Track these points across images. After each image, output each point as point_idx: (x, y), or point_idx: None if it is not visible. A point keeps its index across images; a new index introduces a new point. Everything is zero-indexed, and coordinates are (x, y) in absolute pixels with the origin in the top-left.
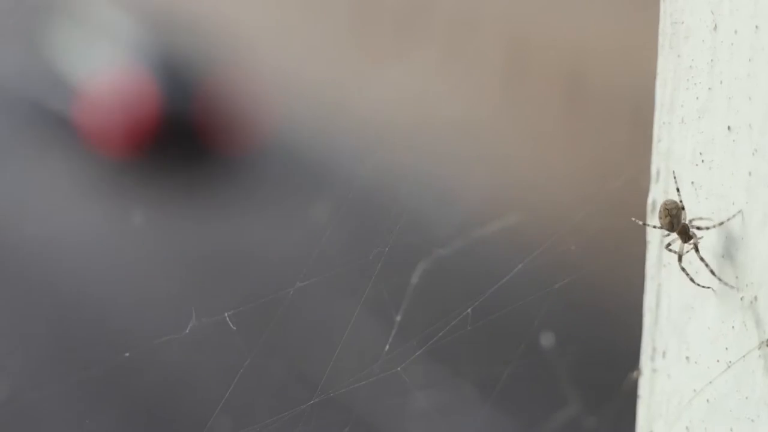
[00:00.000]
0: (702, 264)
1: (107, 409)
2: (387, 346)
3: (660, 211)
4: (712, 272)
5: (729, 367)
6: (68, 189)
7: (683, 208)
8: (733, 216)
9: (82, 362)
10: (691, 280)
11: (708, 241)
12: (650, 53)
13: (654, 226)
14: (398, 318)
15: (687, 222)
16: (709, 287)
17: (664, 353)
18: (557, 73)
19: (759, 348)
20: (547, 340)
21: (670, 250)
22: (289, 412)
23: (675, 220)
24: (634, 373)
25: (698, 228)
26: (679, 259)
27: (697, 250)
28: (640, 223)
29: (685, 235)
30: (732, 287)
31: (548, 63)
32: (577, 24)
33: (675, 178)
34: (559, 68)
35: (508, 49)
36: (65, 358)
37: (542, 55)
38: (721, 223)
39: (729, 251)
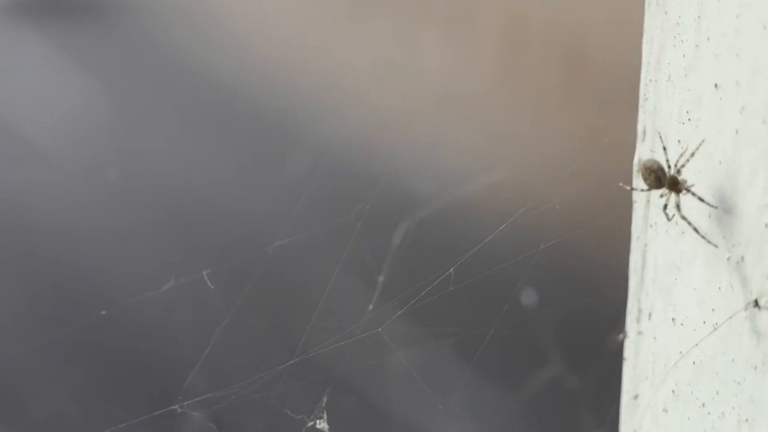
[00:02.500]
0: (685, 224)
1: (82, 369)
2: (368, 306)
3: (642, 173)
4: (696, 230)
5: (715, 328)
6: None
7: (669, 166)
8: (701, 144)
9: (56, 321)
10: (695, 230)
11: (694, 201)
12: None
13: (642, 190)
14: (380, 278)
15: (673, 173)
16: (717, 246)
17: (650, 315)
18: (551, 41)
19: (745, 309)
20: (530, 300)
21: (666, 213)
22: (268, 371)
23: (660, 174)
24: (620, 335)
25: (682, 167)
26: (678, 208)
27: (679, 209)
28: (628, 188)
29: (676, 185)
30: (715, 247)
31: (543, 33)
32: None
33: (661, 137)
34: (553, 37)
35: (504, 21)
36: (39, 317)
37: (539, 27)
38: (692, 154)
39: (715, 211)
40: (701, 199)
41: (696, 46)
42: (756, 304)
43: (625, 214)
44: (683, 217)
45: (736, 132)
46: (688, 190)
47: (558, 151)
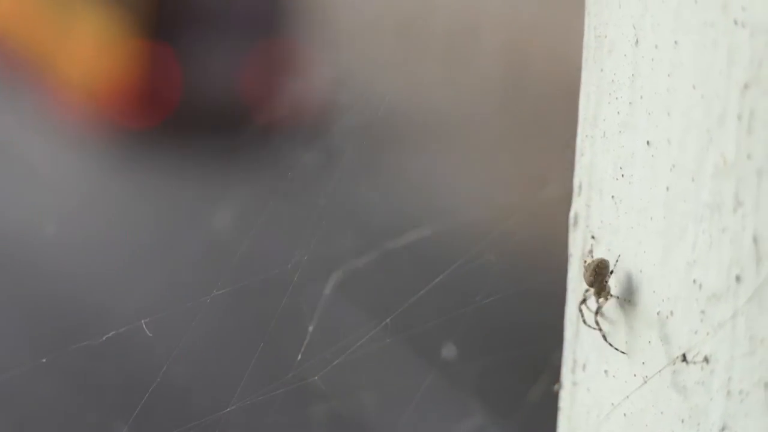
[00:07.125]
0: (602, 322)
1: (14, 416)
2: (299, 356)
3: (589, 267)
4: (604, 337)
5: (645, 382)
6: None
7: (612, 272)
8: (616, 261)
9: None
10: (604, 337)
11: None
12: None
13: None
14: (311, 328)
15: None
16: (624, 353)
17: (584, 366)
18: (495, 79)
19: (674, 363)
20: (464, 351)
21: (585, 307)
22: (205, 418)
23: (598, 279)
24: (556, 386)
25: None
26: (596, 313)
27: (597, 312)
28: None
29: (599, 294)
30: (623, 354)
31: (486, 65)
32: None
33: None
34: (500, 74)
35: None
36: None
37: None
38: (611, 272)
39: (646, 266)
40: (597, 323)
41: (630, 103)
42: (684, 358)
43: (561, 266)
44: (596, 322)
45: (667, 189)
46: (601, 301)
47: (496, 202)
